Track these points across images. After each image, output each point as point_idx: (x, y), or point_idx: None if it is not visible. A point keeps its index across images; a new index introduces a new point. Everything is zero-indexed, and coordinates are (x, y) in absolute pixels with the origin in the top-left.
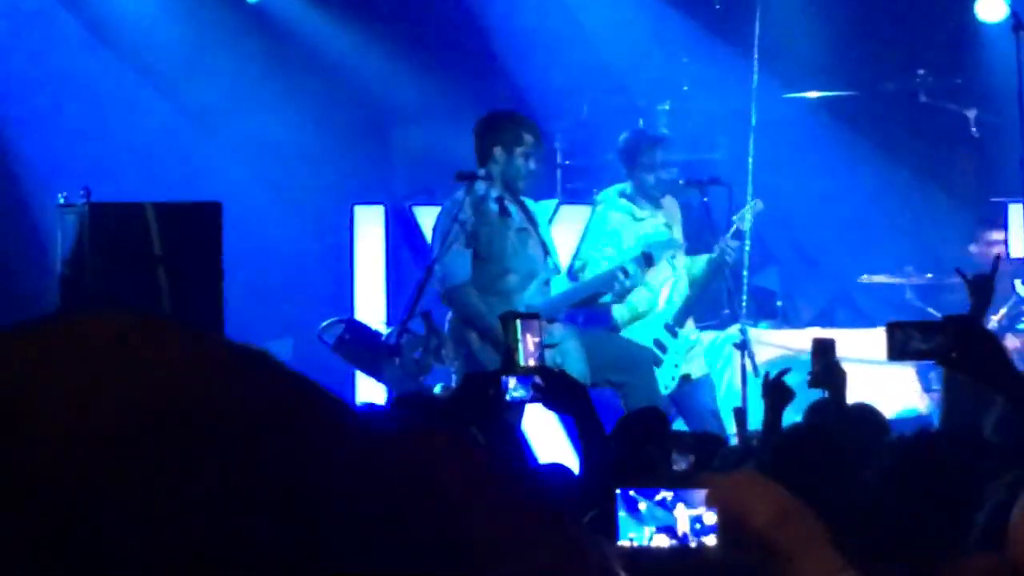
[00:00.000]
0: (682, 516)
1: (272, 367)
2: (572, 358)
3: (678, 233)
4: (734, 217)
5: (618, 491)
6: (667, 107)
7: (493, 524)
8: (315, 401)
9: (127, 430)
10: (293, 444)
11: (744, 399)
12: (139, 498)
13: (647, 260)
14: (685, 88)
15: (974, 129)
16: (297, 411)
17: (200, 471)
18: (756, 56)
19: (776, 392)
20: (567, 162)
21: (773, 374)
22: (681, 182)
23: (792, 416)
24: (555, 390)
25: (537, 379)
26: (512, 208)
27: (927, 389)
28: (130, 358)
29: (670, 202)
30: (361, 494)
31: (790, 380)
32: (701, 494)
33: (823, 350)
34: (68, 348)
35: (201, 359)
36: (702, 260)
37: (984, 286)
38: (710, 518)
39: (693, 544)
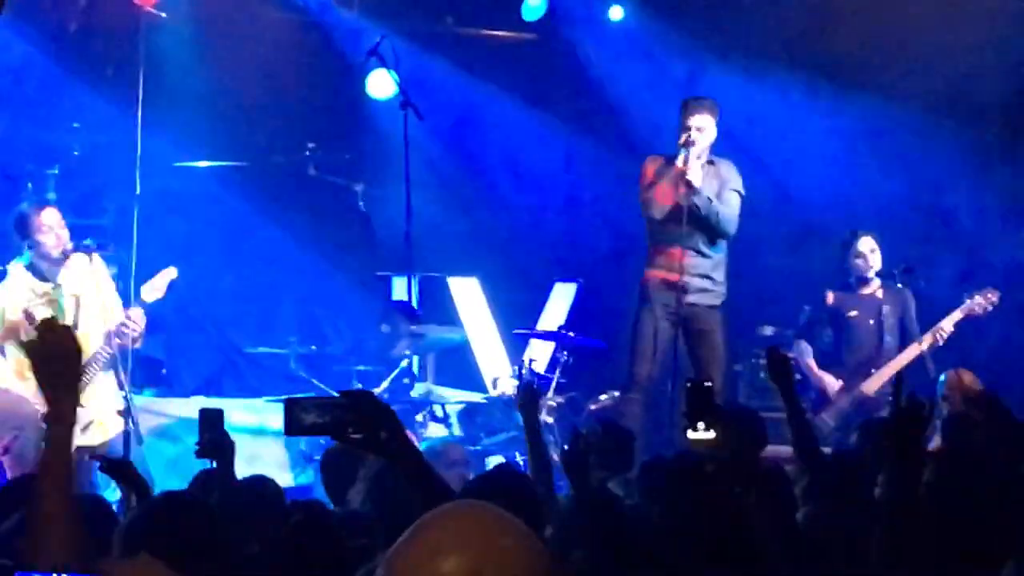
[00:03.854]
0: None
1: None
2: None
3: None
4: (143, 287)
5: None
6: (56, 171)
7: None
8: None
9: None
10: None
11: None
12: None
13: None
14: (76, 153)
15: (361, 203)
16: None
17: None
18: (139, 123)
19: None
20: None
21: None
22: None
23: (175, 483)
24: None
25: None
26: None
27: (308, 459)
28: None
29: (95, 263)
30: None
31: (173, 449)
32: None
33: (210, 420)
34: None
35: None
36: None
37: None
38: None
39: None
